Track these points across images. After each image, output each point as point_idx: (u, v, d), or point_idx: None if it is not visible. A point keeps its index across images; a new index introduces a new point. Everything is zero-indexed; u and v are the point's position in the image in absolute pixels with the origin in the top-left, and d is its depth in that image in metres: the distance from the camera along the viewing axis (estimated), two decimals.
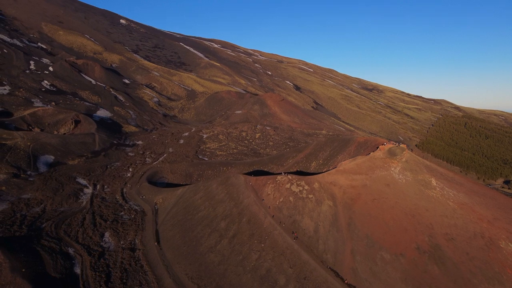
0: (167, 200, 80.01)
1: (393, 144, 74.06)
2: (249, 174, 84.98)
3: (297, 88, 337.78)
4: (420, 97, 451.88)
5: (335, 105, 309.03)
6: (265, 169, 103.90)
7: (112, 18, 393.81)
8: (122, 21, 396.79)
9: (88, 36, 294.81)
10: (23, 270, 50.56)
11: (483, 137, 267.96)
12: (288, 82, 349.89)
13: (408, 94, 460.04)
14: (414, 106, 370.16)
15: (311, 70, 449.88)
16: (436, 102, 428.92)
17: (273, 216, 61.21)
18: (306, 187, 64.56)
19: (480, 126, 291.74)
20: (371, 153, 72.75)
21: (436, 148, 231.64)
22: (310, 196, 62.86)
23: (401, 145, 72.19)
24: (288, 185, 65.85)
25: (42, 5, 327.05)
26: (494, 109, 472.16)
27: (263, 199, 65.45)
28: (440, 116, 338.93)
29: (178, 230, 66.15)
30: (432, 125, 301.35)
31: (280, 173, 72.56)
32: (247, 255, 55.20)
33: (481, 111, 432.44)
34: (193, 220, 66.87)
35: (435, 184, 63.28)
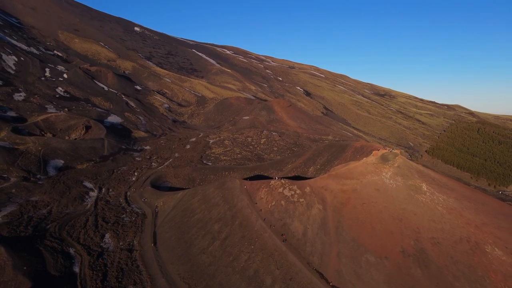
0: (167, 203, 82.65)
1: (387, 150, 75.18)
2: (250, 178, 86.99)
3: (308, 94, 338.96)
4: (433, 102, 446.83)
5: (345, 110, 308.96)
6: (265, 174, 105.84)
7: (126, 25, 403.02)
8: (136, 28, 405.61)
9: (102, 44, 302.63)
10: (25, 268, 53.55)
11: (496, 143, 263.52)
12: (298, 88, 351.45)
13: (421, 100, 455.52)
14: (426, 112, 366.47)
15: (323, 76, 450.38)
16: (449, 107, 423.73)
17: (265, 219, 63.13)
18: (297, 191, 66.34)
19: (493, 132, 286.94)
20: (364, 158, 74.08)
21: (447, 154, 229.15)
22: (301, 200, 64.60)
23: (395, 151, 73.30)
24: (280, 189, 67.76)
25: (59, 14, 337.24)
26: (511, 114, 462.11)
27: (256, 203, 67.47)
28: (453, 121, 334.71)
29: (174, 232, 68.68)
30: (444, 130, 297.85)
31: (274, 178, 74.54)
32: (237, 256, 57.23)
33: (496, 117, 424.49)
34: (189, 222, 69.34)
35: (425, 189, 64.23)
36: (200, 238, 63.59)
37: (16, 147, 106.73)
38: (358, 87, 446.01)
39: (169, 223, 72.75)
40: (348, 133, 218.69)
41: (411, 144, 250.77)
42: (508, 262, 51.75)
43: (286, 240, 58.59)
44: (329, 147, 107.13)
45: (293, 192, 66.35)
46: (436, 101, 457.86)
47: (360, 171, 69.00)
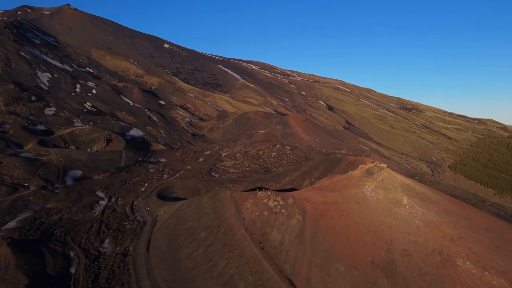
0: (167, 212, 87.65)
1: (374, 164, 76.77)
2: (251, 190, 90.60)
3: (330, 108, 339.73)
4: (464, 116, 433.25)
5: (367, 125, 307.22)
6: (265, 186, 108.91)
7: (156, 42, 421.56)
8: (165, 45, 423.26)
9: (132, 60, 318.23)
10: (26, 267, 59.57)
11: None
12: (321, 102, 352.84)
13: (451, 114, 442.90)
14: (454, 126, 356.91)
15: (348, 90, 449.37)
16: (480, 121, 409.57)
17: (247, 228, 66.52)
18: (281, 202, 69.32)
19: None
20: (350, 171, 76.10)
21: (470, 169, 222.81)
22: (283, 211, 67.53)
23: (381, 165, 74.83)
24: (265, 200, 70.98)
25: (95, 32, 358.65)
26: None
27: (242, 213, 71.05)
28: (482, 136, 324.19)
29: (166, 239, 73.35)
30: (471, 145, 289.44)
31: (263, 189, 77.93)
32: (216, 262, 60.86)
33: None
34: (180, 230, 73.83)
35: (405, 202, 65.43)
36: (187, 245, 67.78)
37: (40, 158, 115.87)
38: (383, 101, 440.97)
39: (163, 231, 77.58)
40: (365, 147, 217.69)
41: (434, 159, 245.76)
42: (477, 276, 52.35)
43: (263, 248, 61.65)
44: (325, 161, 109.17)
45: (276, 203, 69.40)
46: (467, 115, 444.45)
47: (344, 184, 71.08)
